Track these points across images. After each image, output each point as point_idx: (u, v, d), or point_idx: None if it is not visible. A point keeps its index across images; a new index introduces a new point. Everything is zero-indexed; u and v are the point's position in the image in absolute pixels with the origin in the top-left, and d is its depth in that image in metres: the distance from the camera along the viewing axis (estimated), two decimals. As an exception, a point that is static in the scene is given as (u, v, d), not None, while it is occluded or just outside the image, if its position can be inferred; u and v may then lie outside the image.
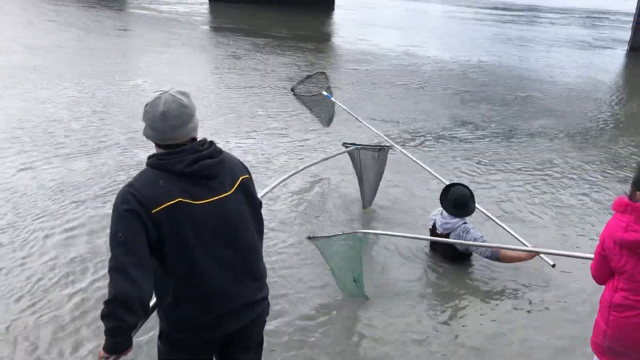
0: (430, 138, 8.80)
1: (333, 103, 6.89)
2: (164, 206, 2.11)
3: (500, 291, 4.55)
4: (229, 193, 2.28)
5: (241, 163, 2.46)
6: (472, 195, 4.93)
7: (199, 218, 2.18)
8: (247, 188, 2.38)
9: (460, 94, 12.38)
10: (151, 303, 2.26)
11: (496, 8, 47.22)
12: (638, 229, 2.58)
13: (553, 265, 4.42)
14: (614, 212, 2.71)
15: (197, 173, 2.17)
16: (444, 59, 17.74)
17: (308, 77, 7.44)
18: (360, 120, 6.77)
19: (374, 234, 4.95)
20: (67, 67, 12.59)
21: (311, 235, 4.47)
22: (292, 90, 7.13)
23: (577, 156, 8.27)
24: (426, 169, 5.77)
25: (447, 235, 4.76)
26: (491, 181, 7.03)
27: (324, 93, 6.84)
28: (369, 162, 5.82)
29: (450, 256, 4.88)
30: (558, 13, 47.25)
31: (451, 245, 4.73)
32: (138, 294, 2.06)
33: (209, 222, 2.21)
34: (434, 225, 4.94)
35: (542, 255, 4.42)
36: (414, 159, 5.91)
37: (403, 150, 6.17)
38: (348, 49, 18.80)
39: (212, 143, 2.29)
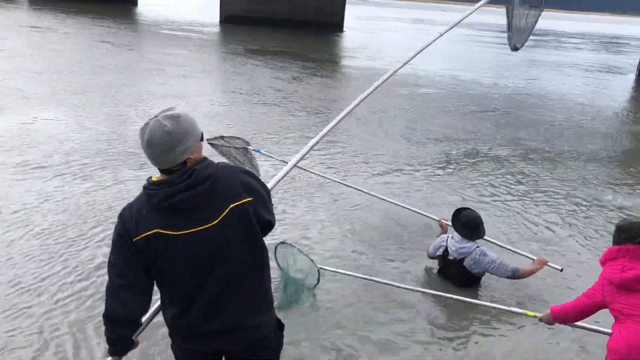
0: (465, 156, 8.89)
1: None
2: (142, 235, 2.17)
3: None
4: (213, 223, 2.18)
5: (245, 184, 2.24)
6: (481, 218, 5.08)
7: (177, 249, 2.18)
8: (244, 215, 2.21)
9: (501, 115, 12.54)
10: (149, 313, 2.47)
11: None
12: (633, 266, 2.87)
13: (561, 270, 4.77)
14: (605, 263, 3.02)
15: (174, 207, 2.14)
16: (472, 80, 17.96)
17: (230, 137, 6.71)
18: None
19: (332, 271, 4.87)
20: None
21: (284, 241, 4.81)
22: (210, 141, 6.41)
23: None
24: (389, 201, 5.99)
25: (461, 260, 4.84)
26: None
27: (251, 148, 6.41)
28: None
29: (461, 281, 4.95)
30: (576, 37, 47.23)
31: (463, 269, 4.84)
32: (125, 313, 2.25)
33: (184, 254, 2.19)
34: (444, 252, 5.00)
35: (549, 263, 4.80)
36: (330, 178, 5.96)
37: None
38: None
39: (193, 172, 2.14)
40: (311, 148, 3.51)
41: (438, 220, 5.57)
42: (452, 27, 4.32)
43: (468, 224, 4.93)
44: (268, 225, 2.35)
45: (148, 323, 2.54)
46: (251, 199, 2.24)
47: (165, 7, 45.54)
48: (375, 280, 4.71)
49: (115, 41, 21.66)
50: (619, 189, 8.25)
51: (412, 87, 16.40)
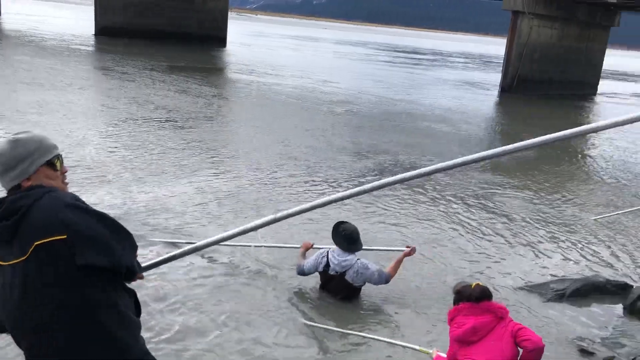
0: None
1: None
2: None
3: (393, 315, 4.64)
4: (21, 259, 1.91)
5: (64, 220, 1.91)
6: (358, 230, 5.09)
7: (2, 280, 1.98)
8: (52, 255, 1.90)
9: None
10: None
11: (404, 51, 49.63)
12: (466, 321, 3.40)
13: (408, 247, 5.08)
14: (449, 323, 3.53)
15: None
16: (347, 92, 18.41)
17: None
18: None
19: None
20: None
21: None
22: None
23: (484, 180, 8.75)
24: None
25: (343, 274, 4.80)
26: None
27: None
28: None
29: (343, 293, 4.88)
30: (460, 57, 50.62)
31: (345, 282, 4.78)
32: None
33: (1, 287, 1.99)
34: (325, 267, 4.90)
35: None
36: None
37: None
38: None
39: (4, 202, 1.97)
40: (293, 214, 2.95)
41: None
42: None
43: (349, 237, 4.90)
44: (108, 269, 1.98)
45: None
46: (65, 236, 1.89)
47: (29, 17, 42.53)
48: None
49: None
50: (500, 189, 8.76)
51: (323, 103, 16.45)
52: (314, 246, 5.28)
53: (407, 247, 5.10)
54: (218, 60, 29.05)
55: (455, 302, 3.58)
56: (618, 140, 15.83)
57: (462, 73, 38.40)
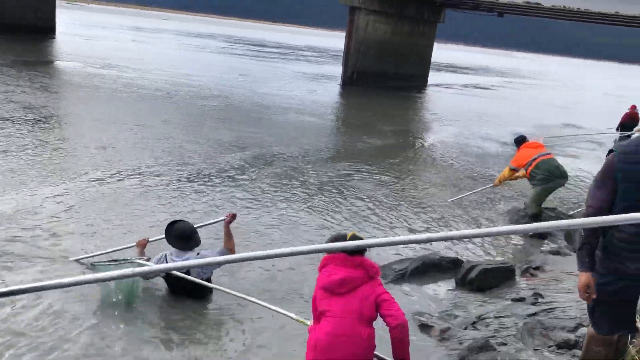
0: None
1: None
2: None
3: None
4: None
5: None
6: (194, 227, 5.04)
7: None
8: None
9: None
10: None
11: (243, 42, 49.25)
12: (337, 272, 3.25)
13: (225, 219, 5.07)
14: (320, 270, 3.37)
15: None
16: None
17: None
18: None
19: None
20: None
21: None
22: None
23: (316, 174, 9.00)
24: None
25: (187, 273, 4.67)
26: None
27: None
28: None
29: (194, 292, 4.76)
30: (304, 50, 51.49)
31: (192, 281, 4.65)
32: None
33: None
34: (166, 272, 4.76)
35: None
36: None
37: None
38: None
39: None
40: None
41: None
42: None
43: (182, 235, 4.82)
44: None
45: None
46: None
47: None
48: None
49: None
50: (356, 175, 9.12)
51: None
52: (150, 240, 5.17)
53: (226, 215, 5.14)
54: (47, 51, 26.70)
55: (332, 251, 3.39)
56: (452, 127, 17.35)
57: (315, 66, 39.58)
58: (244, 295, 4.41)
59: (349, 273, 3.25)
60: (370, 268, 3.32)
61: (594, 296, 2.68)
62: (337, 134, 14.91)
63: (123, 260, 4.69)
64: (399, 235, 7.05)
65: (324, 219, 7.39)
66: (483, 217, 8.21)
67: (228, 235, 5.02)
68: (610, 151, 2.72)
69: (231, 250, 4.93)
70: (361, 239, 3.37)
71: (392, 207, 8.24)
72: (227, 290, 4.61)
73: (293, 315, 4.06)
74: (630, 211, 2.55)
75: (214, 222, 5.43)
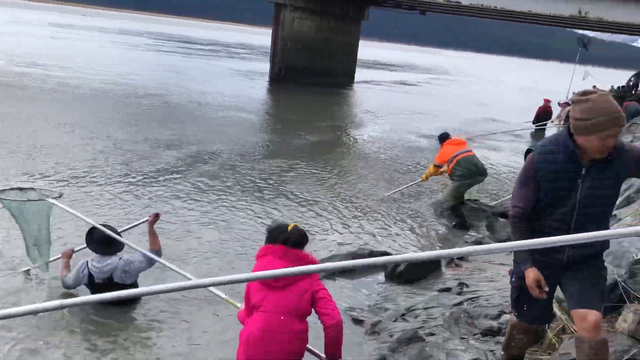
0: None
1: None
2: None
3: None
4: None
5: None
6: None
7: None
8: None
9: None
10: None
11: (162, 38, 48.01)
12: (276, 266, 3.09)
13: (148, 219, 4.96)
14: (258, 259, 3.23)
15: None
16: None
17: None
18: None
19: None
20: None
21: None
22: None
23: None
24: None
25: (111, 278, 4.53)
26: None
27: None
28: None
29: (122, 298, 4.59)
30: (217, 45, 50.68)
31: (117, 286, 4.47)
32: None
33: None
34: (90, 278, 4.59)
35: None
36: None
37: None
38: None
39: None
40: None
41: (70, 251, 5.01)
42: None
43: (102, 239, 4.65)
44: None
45: None
46: None
47: None
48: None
49: None
50: (289, 174, 9.06)
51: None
52: (76, 249, 4.98)
53: (149, 215, 4.99)
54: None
55: (271, 240, 3.28)
56: (382, 122, 17.66)
57: (247, 63, 39.34)
58: (176, 268, 4.43)
59: (288, 266, 3.08)
60: (311, 262, 3.21)
61: (546, 289, 2.75)
62: (270, 131, 14.87)
63: (28, 189, 4.86)
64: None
65: (259, 217, 7.32)
66: (411, 209, 8.40)
67: (152, 235, 4.88)
68: (529, 150, 2.80)
69: (157, 252, 4.81)
70: (303, 230, 3.32)
71: (327, 202, 8.29)
72: (162, 261, 4.66)
73: (223, 294, 4.03)
74: (553, 208, 2.67)
75: (139, 224, 5.25)
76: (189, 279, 4.23)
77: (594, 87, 22.74)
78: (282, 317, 3.09)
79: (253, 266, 3.27)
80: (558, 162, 2.60)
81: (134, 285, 4.69)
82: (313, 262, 3.22)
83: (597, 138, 2.49)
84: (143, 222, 5.11)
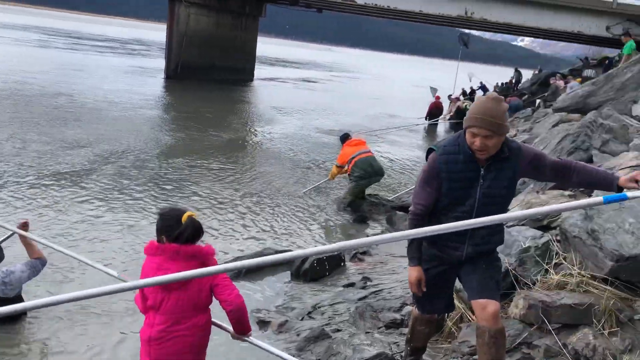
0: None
1: None
2: None
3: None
4: None
5: None
6: None
7: None
8: None
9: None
10: None
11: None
12: (169, 267, 2.84)
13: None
14: (148, 256, 2.95)
15: None
16: None
17: None
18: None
19: None
20: None
21: None
22: None
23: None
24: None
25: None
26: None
27: None
28: None
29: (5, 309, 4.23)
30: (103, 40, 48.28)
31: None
32: None
33: None
34: None
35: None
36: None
37: None
38: None
39: None
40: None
41: None
42: None
43: None
44: None
45: None
46: None
47: None
48: None
49: None
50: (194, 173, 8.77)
51: None
52: None
53: (18, 224, 4.61)
54: None
55: (162, 231, 2.97)
56: (288, 120, 17.64)
57: (147, 60, 37.79)
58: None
59: (182, 267, 2.82)
60: (205, 256, 2.98)
61: (424, 289, 2.86)
62: (177, 129, 14.27)
63: None
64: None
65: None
66: (316, 206, 8.49)
67: (28, 245, 4.52)
68: (431, 150, 2.87)
69: (41, 259, 4.51)
70: (198, 223, 3.02)
71: (238, 201, 8.21)
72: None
73: (115, 273, 3.95)
74: (453, 207, 2.77)
75: (9, 237, 4.75)
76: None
77: (481, 82, 24.06)
78: (183, 315, 2.93)
79: (145, 263, 2.99)
80: (459, 162, 2.70)
81: (18, 297, 4.35)
82: (208, 254, 3.01)
83: (469, 134, 2.64)
84: (11, 235, 4.65)
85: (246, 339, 3.21)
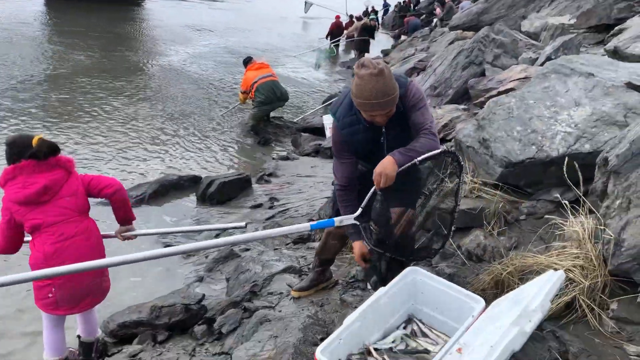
0: None
1: None
2: None
3: None
4: None
5: None
6: None
7: None
8: None
9: None
10: None
11: None
12: (35, 181, 2.83)
13: None
14: (6, 185, 2.85)
15: None
16: None
17: None
18: None
19: None
20: None
21: None
22: None
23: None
24: None
25: None
26: None
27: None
28: None
29: None
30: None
31: None
32: None
33: None
34: None
35: None
36: None
37: None
38: None
39: None
40: None
41: None
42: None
43: None
44: None
45: None
46: None
47: None
48: None
49: None
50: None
51: None
52: None
53: None
54: None
55: (13, 158, 2.87)
56: (197, 42, 16.78)
57: None
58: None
59: (49, 177, 2.87)
60: (67, 162, 2.97)
61: (369, 264, 2.91)
62: (80, 49, 13.02)
63: None
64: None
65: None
66: (224, 129, 8.36)
67: None
68: (331, 116, 2.82)
69: None
70: (51, 142, 2.93)
71: (146, 121, 7.80)
72: None
73: None
74: (367, 160, 2.76)
75: None
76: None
77: (367, 8, 23.57)
78: (70, 223, 2.91)
79: (5, 192, 2.88)
80: (360, 132, 2.68)
81: None
82: (68, 160, 2.98)
83: (366, 114, 2.59)
84: None
85: (134, 233, 3.21)
